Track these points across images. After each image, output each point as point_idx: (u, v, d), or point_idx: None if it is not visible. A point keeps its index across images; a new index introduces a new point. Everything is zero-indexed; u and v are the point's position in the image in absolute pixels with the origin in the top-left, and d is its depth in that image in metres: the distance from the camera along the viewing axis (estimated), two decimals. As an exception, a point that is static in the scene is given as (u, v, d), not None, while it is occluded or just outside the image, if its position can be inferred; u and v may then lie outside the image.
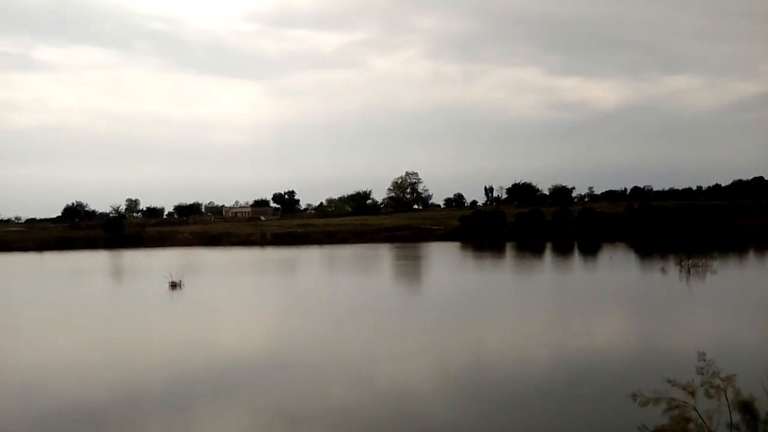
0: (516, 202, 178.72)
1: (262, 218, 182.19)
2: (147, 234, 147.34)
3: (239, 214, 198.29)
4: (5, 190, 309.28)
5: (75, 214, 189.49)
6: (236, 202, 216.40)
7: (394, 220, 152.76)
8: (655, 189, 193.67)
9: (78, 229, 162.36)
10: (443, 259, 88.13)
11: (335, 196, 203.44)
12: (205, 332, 37.30)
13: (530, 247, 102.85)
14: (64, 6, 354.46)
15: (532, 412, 21.42)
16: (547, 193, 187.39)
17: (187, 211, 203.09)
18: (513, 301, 47.83)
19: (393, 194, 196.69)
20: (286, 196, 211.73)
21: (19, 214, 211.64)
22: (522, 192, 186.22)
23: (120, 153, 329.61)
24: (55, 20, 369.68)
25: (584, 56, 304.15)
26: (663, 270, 62.21)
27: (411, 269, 76.87)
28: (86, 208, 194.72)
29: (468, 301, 46.96)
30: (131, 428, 20.67)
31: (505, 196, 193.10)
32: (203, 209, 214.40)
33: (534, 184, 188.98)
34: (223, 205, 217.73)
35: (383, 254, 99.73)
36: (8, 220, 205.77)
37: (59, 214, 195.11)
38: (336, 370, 27.29)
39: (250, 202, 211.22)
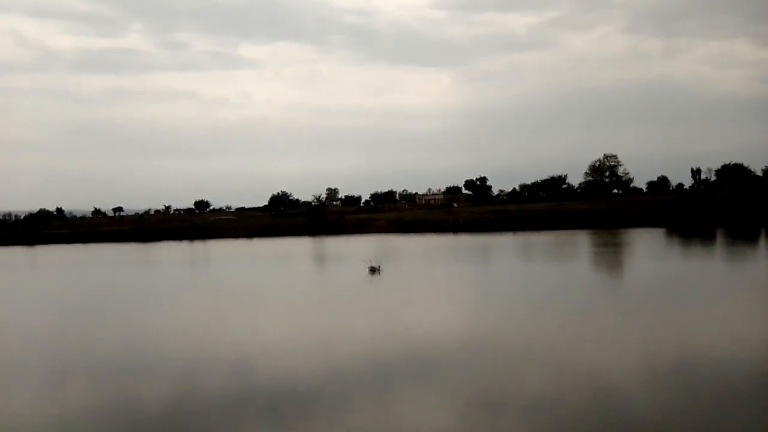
0: (726, 185, 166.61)
1: (455, 205, 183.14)
2: (346, 221, 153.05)
3: (432, 201, 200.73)
4: (217, 182, 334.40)
5: (280, 202, 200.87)
6: (429, 189, 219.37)
7: (592, 204, 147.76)
8: None
9: (283, 217, 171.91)
10: (647, 246, 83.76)
11: (528, 182, 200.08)
12: (404, 317, 37.89)
13: (744, 234, 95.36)
14: (266, 5, 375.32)
15: (747, 411, 19.67)
16: (761, 174, 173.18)
17: (383, 199, 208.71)
18: (725, 291, 44.43)
19: (590, 178, 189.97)
20: (478, 183, 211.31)
21: (229, 204, 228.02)
22: (733, 174, 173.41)
23: (319, 144, 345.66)
24: (258, 19, 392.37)
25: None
26: None
27: (612, 257, 73.82)
28: (290, 197, 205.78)
29: (675, 291, 44.23)
30: (335, 409, 21.32)
31: (714, 178, 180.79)
32: (397, 197, 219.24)
33: (746, 165, 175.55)
34: (416, 193, 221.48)
35: (581, 241, 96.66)
36: (220, 209, 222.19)
37: (266, 203, 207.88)
38: (536, 359, 26.69)
39: (443, 189, 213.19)
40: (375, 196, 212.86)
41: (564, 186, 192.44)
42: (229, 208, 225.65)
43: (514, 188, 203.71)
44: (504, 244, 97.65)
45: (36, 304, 50.13)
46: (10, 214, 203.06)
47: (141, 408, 22.24)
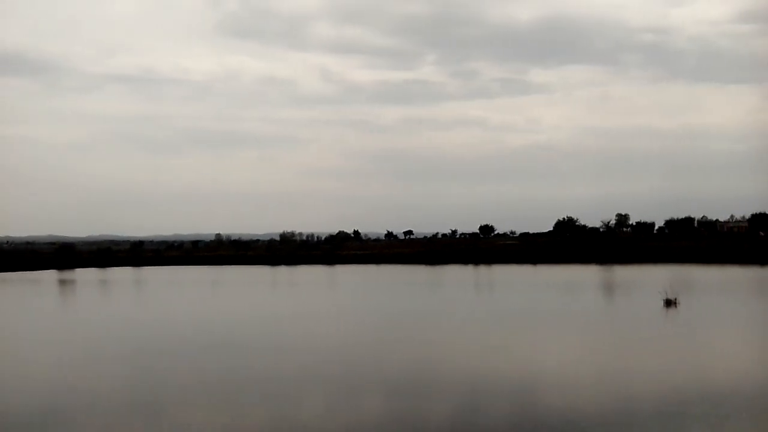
0: None
1: (761, 234, 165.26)
2: (636, 248, 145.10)
3: (735, 229, 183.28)
4: (502, 207, 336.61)
5: (566, 228, 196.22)
6: (731, 216, 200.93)
7: None
8: None
9: (569, 243, 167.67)
10: None
11: None
12: (703, 357, 34.40)
13: None
14: (555, 29, 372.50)
15: None
16: None
17: (679, 226, 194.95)
18: None
19: None
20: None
21: (514, 229, 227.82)
22: None
23: (609, 168, 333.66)
24: (547, 44, 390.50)
25: None
26: None
27: None
28: (577, 223, 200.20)
29: None
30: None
31: None
32: (695, 224, 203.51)
33: None
34: (716, 220, 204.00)
35: None
36: (504, 234, 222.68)
37: (550, 228, 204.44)
38: None
39: (747, 215, 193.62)
40: (670, 223, 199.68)
41: None
42: (513, 233, 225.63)
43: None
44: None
45: (332, 319, 53.09)
46: (312, 236, 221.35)
47: (423, 426, 21.94)
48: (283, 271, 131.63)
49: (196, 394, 27.18)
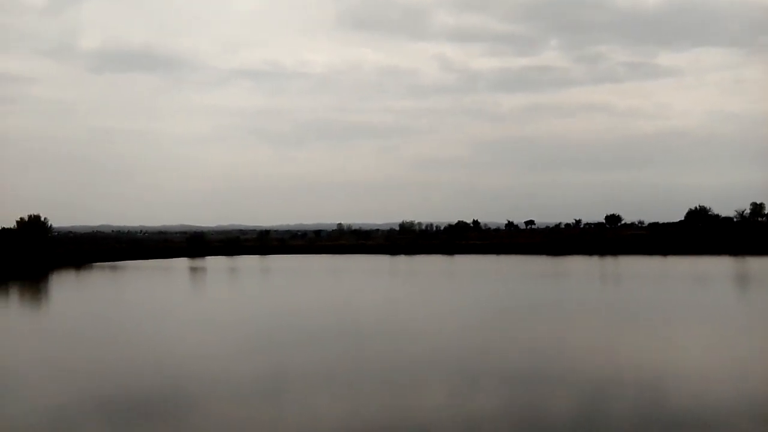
0: None
1: None
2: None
3: None
4: (629, 195, 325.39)
5: (698, 218, 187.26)
6: None
7: None
8: None
9: (700, 233, 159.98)
10: None
11: None
12: None
13: None
14: (686, 10, 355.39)
15: None
16: None
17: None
18: None
19: None
20: None
21: (642, 218, 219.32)
22: None
23: (743, 155, 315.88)
24: (677, 26, 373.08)
25: None
26: None
27: None
28: (709, 212, 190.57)
29: None
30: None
31: None
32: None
33: None
34: None
35: None
36: (632, 224, 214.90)
37: (681, 218, 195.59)
38: None
39: None
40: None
41: None
42: (641, 222, 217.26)
43: None
44: None
45: (451, 309, 52.73)
46: (431, 225, 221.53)
47: (545, 418, 21.36)
48: (402, 260, 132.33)
49: (319, 379, 27.49)
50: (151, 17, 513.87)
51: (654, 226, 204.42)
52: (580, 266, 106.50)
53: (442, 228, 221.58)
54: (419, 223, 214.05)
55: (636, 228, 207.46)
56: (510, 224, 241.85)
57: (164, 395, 25.48)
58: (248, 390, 26.01)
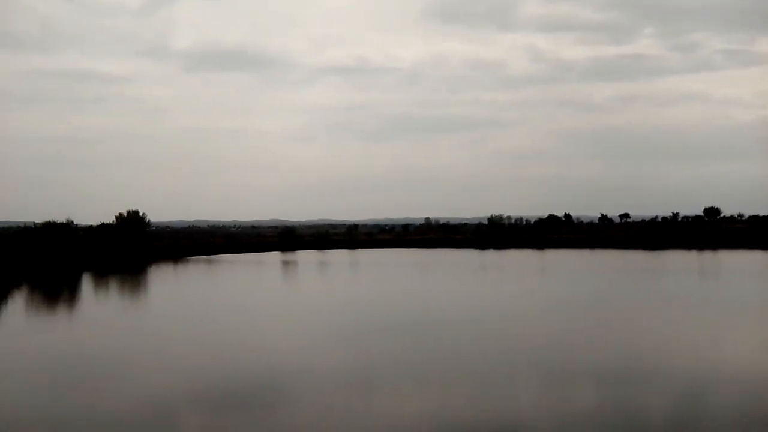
0: None
1: None
2: None
3: None
4: (728, 187, 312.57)
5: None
6: None
7: None
8: None
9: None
10: None
11: None
12: None
13: None
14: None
15: None
16: None
17: None
18: None
19: None
20: None
21: (742, 211, 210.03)
22: None
23: None
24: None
25: None
26: None
27: None
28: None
29: None
30: None
31: None
32: None
33: None
34: None
35: None
36: (731, 217, 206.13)
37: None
38: None
39: None
40: None
41: None
42: (741, 216, 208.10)
43: None
44: None
45: (540, 304, 51.77)
46: (521, 219, 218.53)
47: (645, 417, 20.52)
48: (491, 254, 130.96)
49: (410, 371, 27.42)
50: (243, 17, 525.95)
51: (754, 219, 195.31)
52: (679, 261, 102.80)
53: (532, 222, 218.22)
54: (508, 217, 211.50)
55: (736, 221, 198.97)
56: (603, 217, 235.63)
57: (259, 385, 25.87)
58: (342, 380, 26.16)
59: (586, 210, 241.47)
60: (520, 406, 22.65)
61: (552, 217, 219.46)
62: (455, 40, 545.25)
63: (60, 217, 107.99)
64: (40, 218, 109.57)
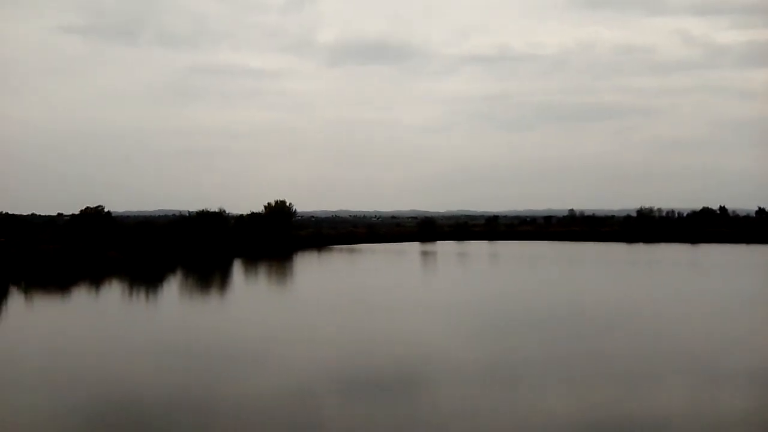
0: None
1: None
2: None
3: None
4: None
5: None
6: None
7: None
8: None
9: None
10: None
11: None
12: None
13: None
14: None
15: None
16: None
17: None
18: None
19: None
20: None
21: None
22: None
23: None
24: None
25: None
26: None
27: None
28: None
29: None
30: None
31: None
32: None
33: None
34: None
35: None
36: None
37: None
38: None
39: None
40: None
41: None
42: None
43: None
44: None
45: (703, 304, 49.17)
46: (673, 212, 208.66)
47: None
48: (641, 249, 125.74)
49: (551, 368, 26.76)
50: (385, 8, 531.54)
51: None
52: None
53: (684, 215, 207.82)
54: (659, 210, 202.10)
55: None
56: (761, 210, 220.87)
57: (397, 374, 25.98)
58: (483, 375, 25.87)
59: (743, 202, 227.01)
60: (667, 407, 21.53)
61: (706, 210, 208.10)
62: (602, 25, 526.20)
63: (213, 207, 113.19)
64: (193, 208, 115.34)
